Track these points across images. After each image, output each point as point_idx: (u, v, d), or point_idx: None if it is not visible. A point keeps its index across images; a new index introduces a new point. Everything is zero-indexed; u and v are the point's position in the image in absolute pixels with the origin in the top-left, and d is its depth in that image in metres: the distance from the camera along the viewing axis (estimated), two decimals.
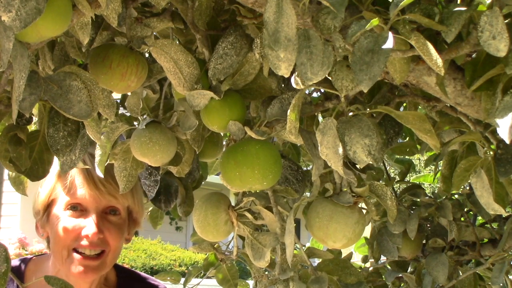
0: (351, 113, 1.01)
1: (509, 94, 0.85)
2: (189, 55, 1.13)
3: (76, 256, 1.48)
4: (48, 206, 1.54)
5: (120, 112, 1.59)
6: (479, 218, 1.86)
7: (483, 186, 1.02)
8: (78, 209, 1.50)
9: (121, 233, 1.55)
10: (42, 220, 1.55)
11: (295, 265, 1.16)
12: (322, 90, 1.15)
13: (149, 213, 1.93)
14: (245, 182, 1.12)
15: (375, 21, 0.82)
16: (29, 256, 1.66)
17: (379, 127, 1.00)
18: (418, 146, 1.78)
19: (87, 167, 1.51)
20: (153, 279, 1.74)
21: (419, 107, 1.35)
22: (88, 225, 1.48)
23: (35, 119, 1.20)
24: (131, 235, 1.63)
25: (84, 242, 1.47)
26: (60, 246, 1.49)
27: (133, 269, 1.84)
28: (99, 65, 1.08)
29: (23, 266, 1.60)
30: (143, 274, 1.76)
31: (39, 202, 1.55)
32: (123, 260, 10.13)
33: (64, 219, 1.50)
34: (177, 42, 1.31)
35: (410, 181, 2.09)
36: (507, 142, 0.79)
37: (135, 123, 1.46)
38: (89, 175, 1.51)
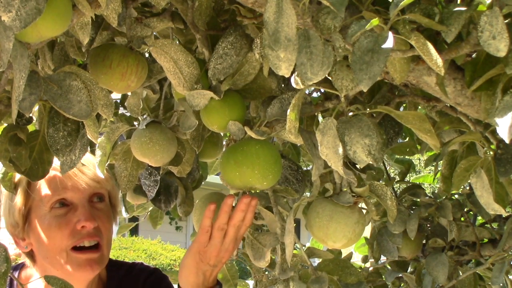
0: (351, 113, 1.01)
1: (509, 94, 0.85)
2: (189, 55, 1.13)
3: (77, 252, 1.44)
4: (28, 214, 1.49)
5: (120, 112, 1.60)
6: (479, 218, 1.86)
7: (483, 186, 1.02)
8: (64, 204, 1.46)
9: (110, 220, 1.53)
10: (24, 230, 1.50)
11: (295, 265, 1.16)
12: (322, 90, 1.15)
13: (149, 213, 1.93)
14: (245, 182, 1.12)
15: (375, 21, 0.82)
16: (21, 263, 1.61)
17: (379, 127, 1.00)
18: (418, 146, 1.78)
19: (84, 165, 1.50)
20: (130, 262, 1.71)
21: (419, 107, 1.35)
22: (81, 217, 1.44)
23: (35, 118, 1.20)
24: (115, 224, 1.61)
25: (81, 235, 1.44)
26: (56, 250, 1.44)
27: None
28: (99, 65, 1.08)
29: (14, 273, 1.58)
30: (123, 262, 1.72)
31: (15, 213, 1.48)
32: (123, 260, 10.12)
33: (53, 219, 1.45)
34: (177, 42, 1.31)
35: (410, 181, 2.09)
36: (507, 141, 0.79)
37: (135, 123, 1.46)
38: None
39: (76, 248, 1.45)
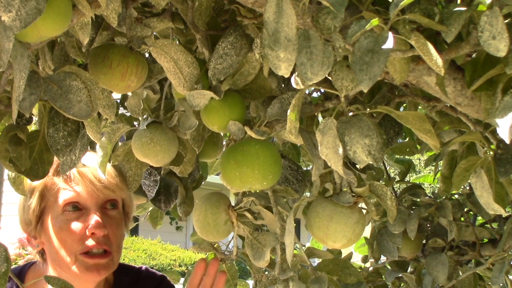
0: (351, 113, 1.00)
1: (509, 94, 0.85)
2: (189, 55, 1.13)
3: (85, 257, 1.45)
4: (41, 214, 1.50)
5: (120, 112, 1.60)
6: (479, 218, 1.86)
7: (483, 186, 1.02)
8: (77, 208, 1.47)
9: (121, 229, 1.54)
10: (36, 229, 1.51)
11: (295, 265, 1.16)
12: (322, 90, 1.15)
13: (149, 213, 1.93)
14: (245, 182, 1.12)
15: (375, 21, 0.82)
16: (31, 261, 1.62)
17: (379, 127, 1.00)
18: (418, 146, 1.78)
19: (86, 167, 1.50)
20: (136, 267, 1.71)
21: (419, 107, 1.35)
22: (93, 223, 1.45)
23: (35, 119, 1.20)
24: (127, 231, 1.61)
25: (91, 242, 1.45)
26: (65, 253, 1.45)
27: None
28: (99, 65, 1.08)
29: (23, 271, 1.59)
30: (129, 266, 1.72)
31: (30, 212, 1.50)
32: (123, 260, 10.12)
33: (65, 222, 1.46)
34: (177, 42, 1.31)
35: (410, 181, 2.09)
36: (507, 142, 0.79)
37: (136, 123, 1.46)
38: (82, 172, 1.48)
39: (84, 253, 1.46)
